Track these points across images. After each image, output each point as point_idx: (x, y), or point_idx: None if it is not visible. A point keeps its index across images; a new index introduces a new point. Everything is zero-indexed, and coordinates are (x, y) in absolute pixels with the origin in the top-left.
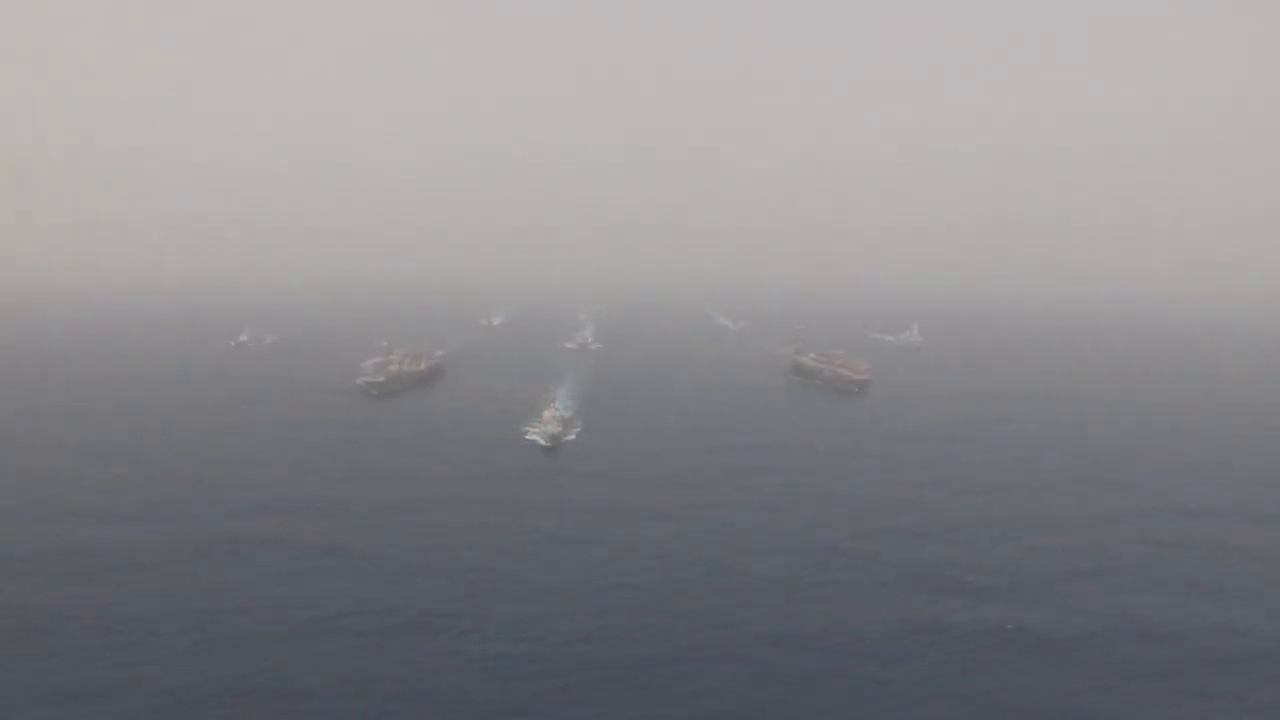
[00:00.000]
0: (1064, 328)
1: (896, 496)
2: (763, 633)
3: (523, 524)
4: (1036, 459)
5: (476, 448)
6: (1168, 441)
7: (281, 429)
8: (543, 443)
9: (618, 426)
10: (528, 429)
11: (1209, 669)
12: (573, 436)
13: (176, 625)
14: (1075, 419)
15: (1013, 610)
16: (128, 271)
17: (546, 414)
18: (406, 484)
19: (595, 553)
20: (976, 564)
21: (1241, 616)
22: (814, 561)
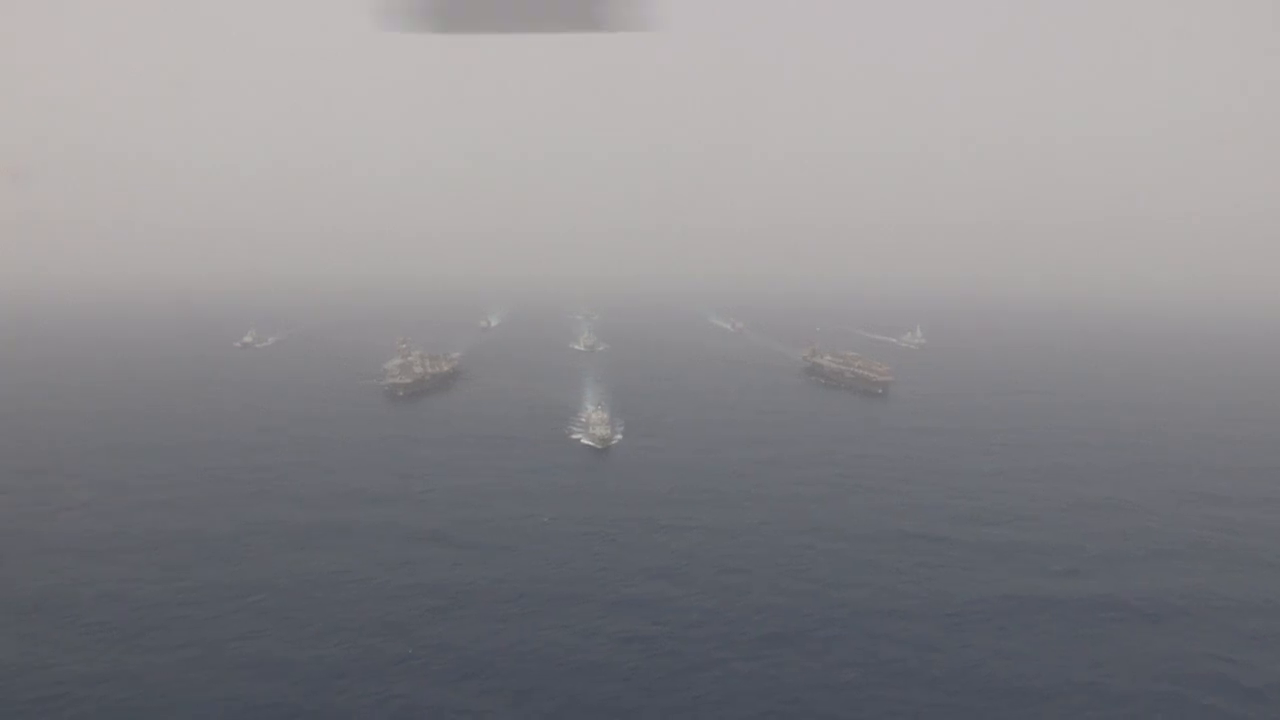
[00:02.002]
0: (1063, 328)
1: (952, 487)
2: (877, 607)
3: (610, 514)
4: (1071, 449)
5: (527, 447)
6: (1186, 434)
7: (322, 428)
8: (594, 445)
9: (659, 428)
10: (573, 431)
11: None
12: (618, 439)
13: (318, 609)
14: (1098, 412)
15: (1103, 584)
16: (124, 272)
17: (593, 416)
18: (475, 479)
19: (688, 540)
20: (1052, 544)
21: None
22: (897, 545)
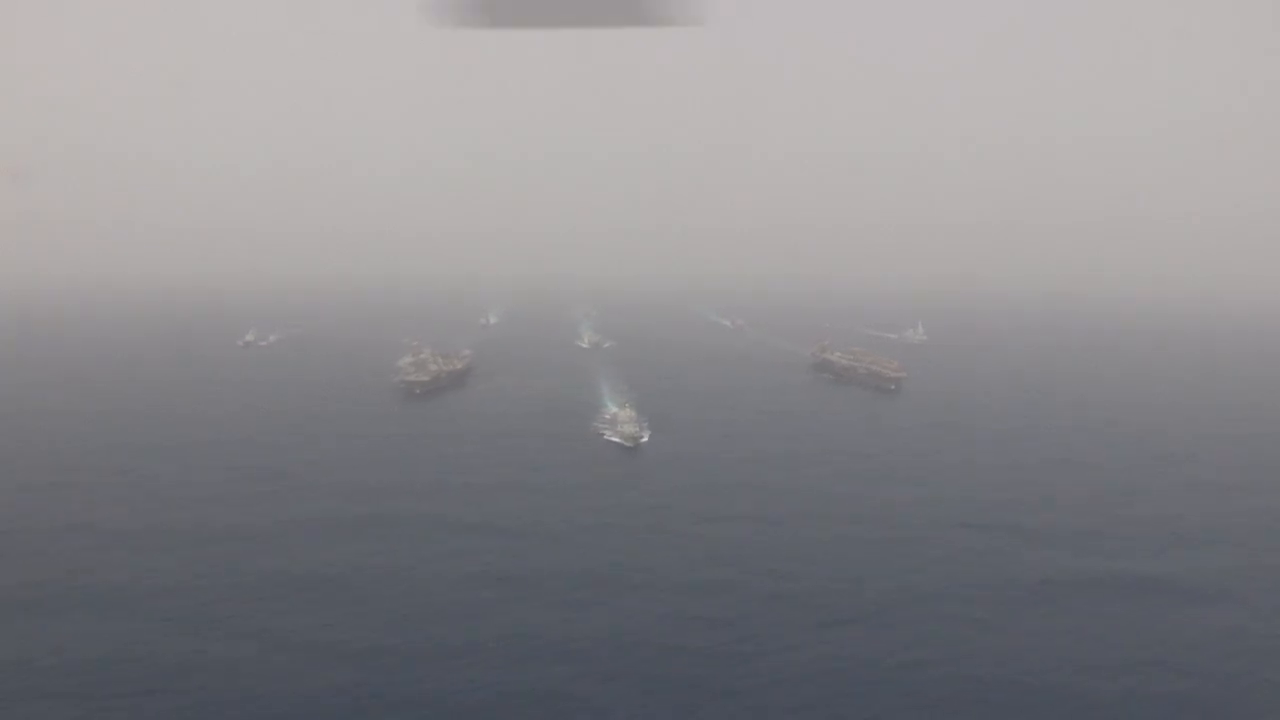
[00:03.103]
0: (1065, 325)
1: (983, 479)
2: (934, 591)
3: (653, 506)
4: (1087, 441)
5: (556, 444)
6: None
7: (345, 425)
8: (625, 443)
9: (681, 425)
10: (599, 428)
11: None
12: (647, 437)
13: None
14: (1105, 408)
15: (1151, 566)
16: (123, 271)
17: (621, 414)
18: (508, 474)
19: (738, 530)
20: (1091, 530)
21: None
22: (944, 534)
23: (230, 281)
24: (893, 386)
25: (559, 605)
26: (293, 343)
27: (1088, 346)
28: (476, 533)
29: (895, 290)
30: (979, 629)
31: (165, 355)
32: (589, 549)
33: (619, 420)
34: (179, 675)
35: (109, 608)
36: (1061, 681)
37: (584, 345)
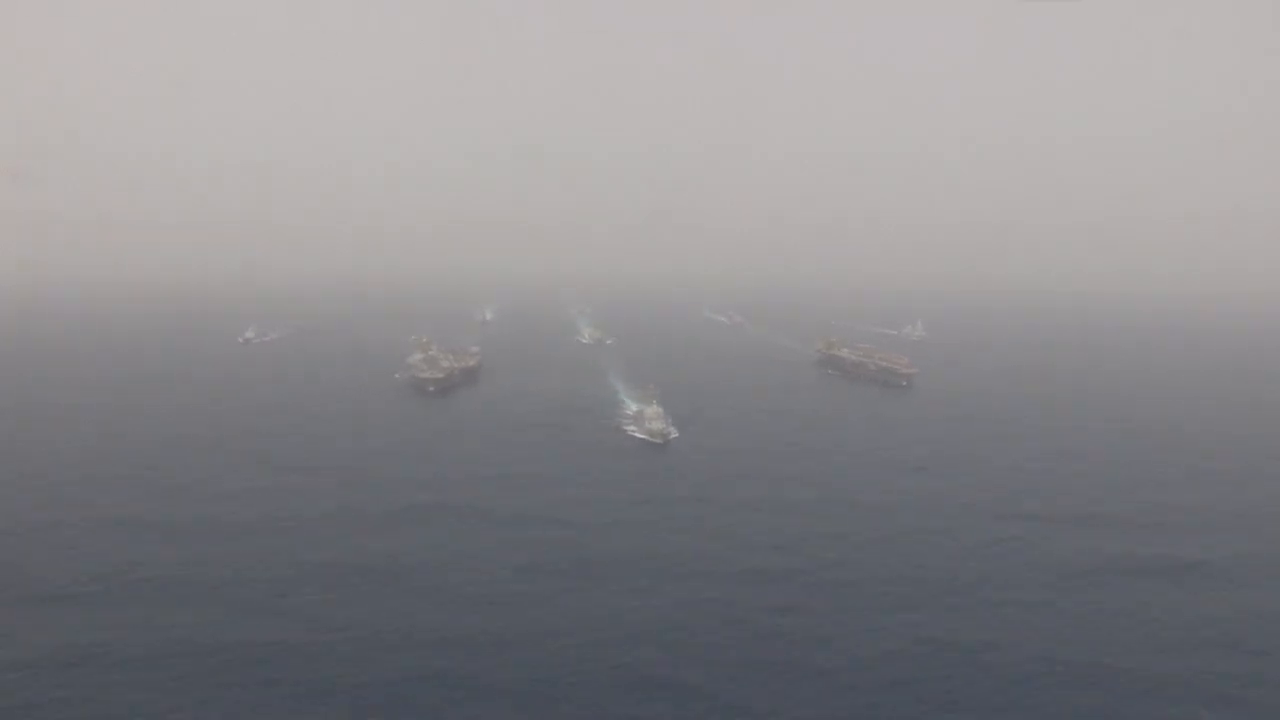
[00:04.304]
0: (1063, 323)
1: (1012, 471)
2: (990, 578)
3: (691, 496)
4: (1103, 435)
5: (581, 440)
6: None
7: (366, 422)
8: (653, 440)
9: (701, 421)
10: (626, 425)
11: None
12: (675, 434)
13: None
14: (1115, 402)
15: (1197, 552)
16: (121, 270)
17: (648, 411)
18: (541, 468)
19: (784, 521)
20: (1127, 517)
21: None
22: (990, 524)
23: (226, 279)
24: (904, 383)
25: (627, 591)
26: (293, 340)
27: (1090, 344)
28: (523, 524)
29: (892, 287)
30: (1039, 612)
31: (167, 353)
32: (641, 538)
33: (646, 417)
34: (261, 664)
35: (175, 599)
36: (1133, 664)
37: (585, 341)
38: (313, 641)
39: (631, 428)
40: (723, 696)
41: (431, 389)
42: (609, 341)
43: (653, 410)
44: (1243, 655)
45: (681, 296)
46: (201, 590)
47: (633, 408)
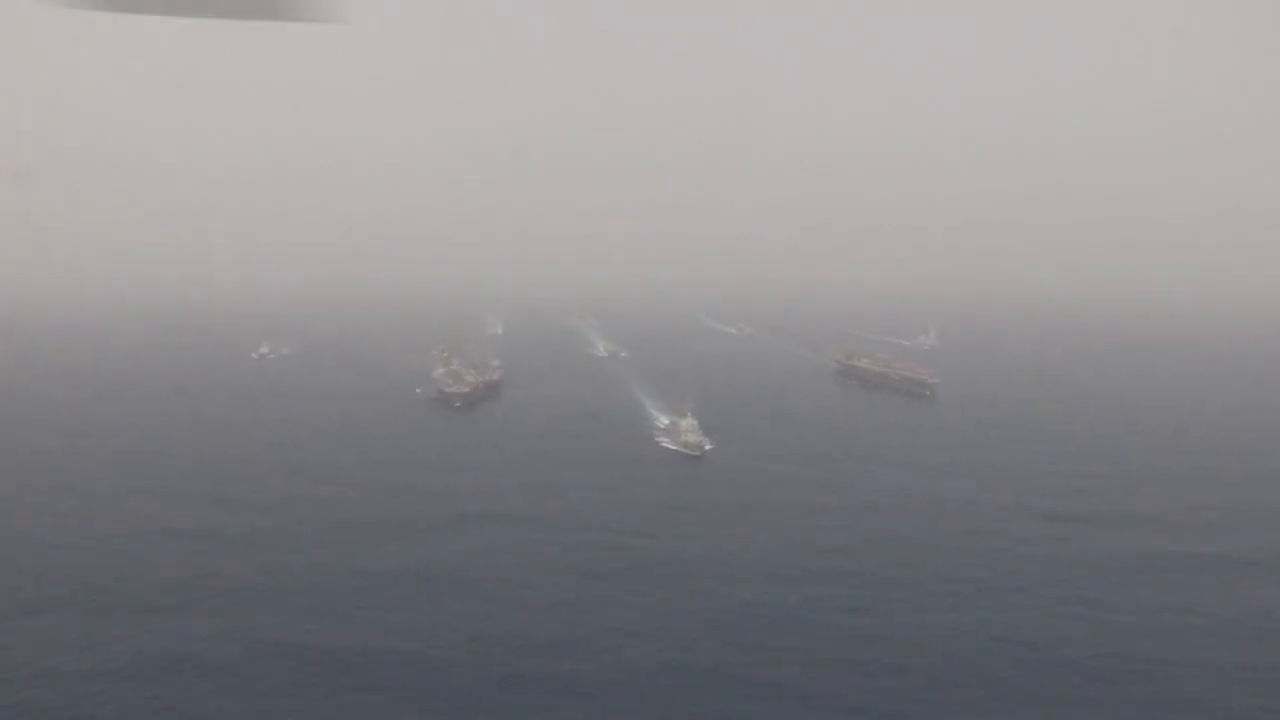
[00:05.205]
0: (1073, 328)
1: (1046, 475)
2: (1047, 574)
3: (737, 503)
4: (1130, 437)
5: (617, 451)
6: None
7: (398, 436)
8: (689, 451)
9: (733, 432)
10: (658, 437)
11: None
12: (710, 445)
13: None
14: (1138, 405)
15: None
16: (120, 273)
17: (683, 424)
18: (582, 475)
19: (835, 524)
20: (1171, 515)
21: None
22: (1036, 524)
23: (230, 290)
24: (927, 393)
25: (693, 595)
26: (307, 355)
27: (1101, 347)
28: (576, 531)
29: (898, 294)
30: (1097, 607)
31: (183, 368)
32: (695, 544)
33: (681, 429)
34: (349, 670)
35: (252, 607)
36: (1197, 656)
37: (601, 354)
38: (397, 648)
39: (664, 440)
40: (810, 694)
41: (458, 403)
42: (623, 354)
43: (687, 423)
44: None
45: (684, 306)
46: (276, 598)
47: (663, 420)
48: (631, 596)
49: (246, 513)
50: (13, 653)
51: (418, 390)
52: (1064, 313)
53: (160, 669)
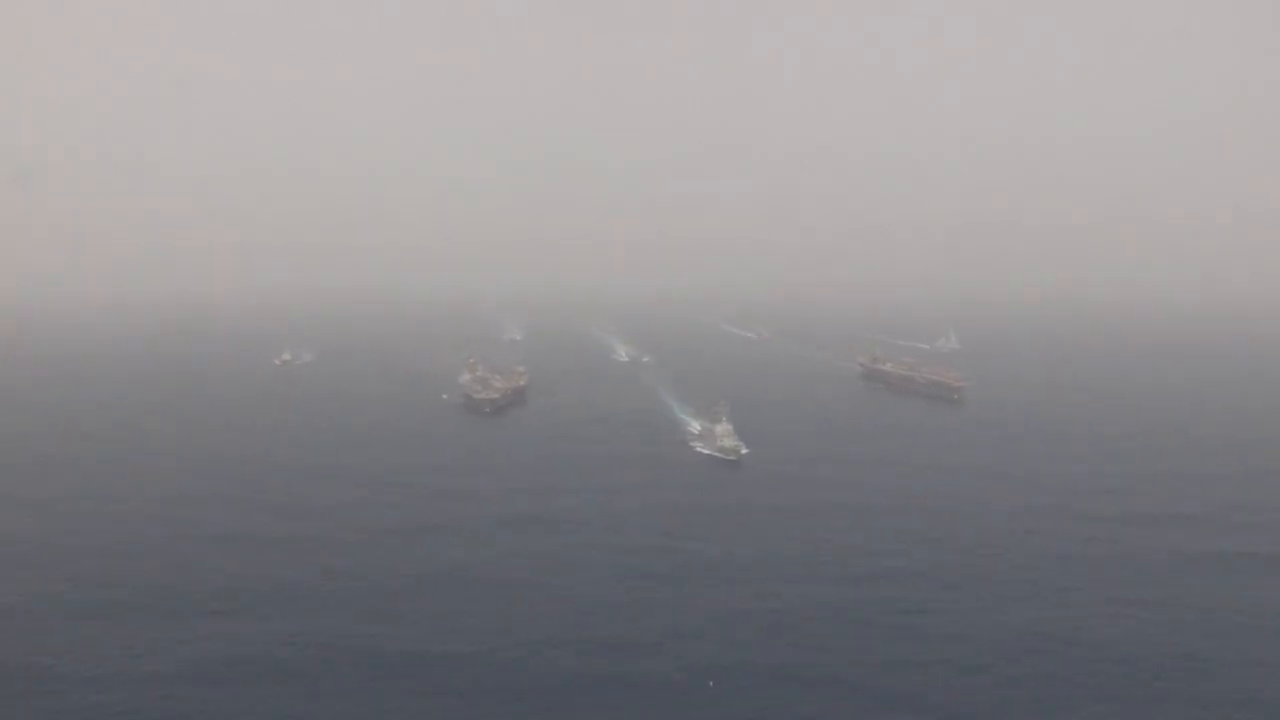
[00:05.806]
0: (1085, 329)
1: (1085, 477)
2: (1098, 573)
3: (789, 506)
4: (1159, 435)
5: (652, 455)
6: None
7: (435, 441)
8: (725, 456)
9: (771, 437)
10: (693, 442)
11: None
12: (746, 450)
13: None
14: (1169, 407)
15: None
16: (122, 274)
17: (719, 429)
18: (625, 481)
19: (878, 524)
20: (1207, 514)
21: None
22: (1072, 524)
23: (242, 294)
24: (955, 396)
25: (751, 595)
26: (328, 362)
27: (1118, 349)
28: (623, 533)
29: (913, 296)
30: (1150, 607)
31: (209, 376)
32: (744, 546)
33: (716, 434)
34: (420, 671)
35: (316, 609)
36: (1258, 654)
37: (623, 359)
38: (458, 650)
39: (699, 444)
40: (873, 691)
41: (488, 409)
42: (645, 359)
43: (723, 427)
44: None
45: (696, 310)
46: (333, 602)
47: (696, 425)
48: (688, 598)
49: (297, 517)
50: (74, 657)
51: (444, 396)
52: (1078, 314)
53: (222, 672)
